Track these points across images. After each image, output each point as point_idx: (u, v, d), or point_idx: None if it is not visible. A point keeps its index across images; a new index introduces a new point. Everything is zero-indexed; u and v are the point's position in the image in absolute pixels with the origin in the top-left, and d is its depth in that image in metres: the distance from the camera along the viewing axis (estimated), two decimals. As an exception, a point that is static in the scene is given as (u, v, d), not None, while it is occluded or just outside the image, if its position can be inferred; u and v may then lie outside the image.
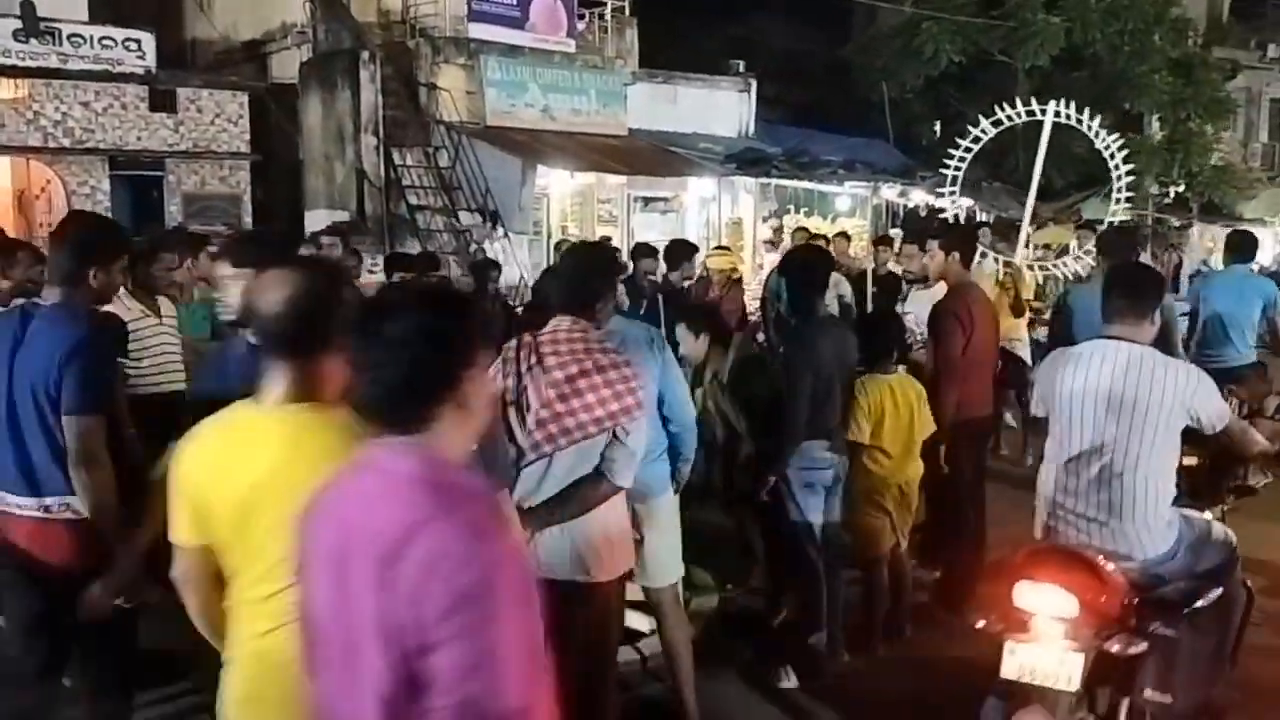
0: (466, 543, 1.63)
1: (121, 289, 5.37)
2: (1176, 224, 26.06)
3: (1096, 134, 9.54)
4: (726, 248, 9.98)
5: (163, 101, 16.22)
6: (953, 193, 9.97)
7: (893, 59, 22.80)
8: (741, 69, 21.31)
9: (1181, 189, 24.58)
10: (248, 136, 16.95)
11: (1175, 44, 22.95)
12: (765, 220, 18.61)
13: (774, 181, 18.66)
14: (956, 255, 5.48)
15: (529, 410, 3.14)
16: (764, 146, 19.46)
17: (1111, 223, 9.09)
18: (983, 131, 9.77)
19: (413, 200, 15.49)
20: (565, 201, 17.88)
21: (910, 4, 22.95)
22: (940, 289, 5.73)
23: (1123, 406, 3.43)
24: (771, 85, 22.21)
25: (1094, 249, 7.34)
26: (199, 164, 16.60)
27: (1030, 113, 9.44)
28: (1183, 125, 23.70)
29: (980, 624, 3.31)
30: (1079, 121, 9.40)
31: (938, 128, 26.47)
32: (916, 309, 6.25)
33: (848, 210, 19.73)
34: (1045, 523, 3.65)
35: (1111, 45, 21.83)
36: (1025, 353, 8.31)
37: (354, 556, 1.68)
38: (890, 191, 20.01)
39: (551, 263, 16.44)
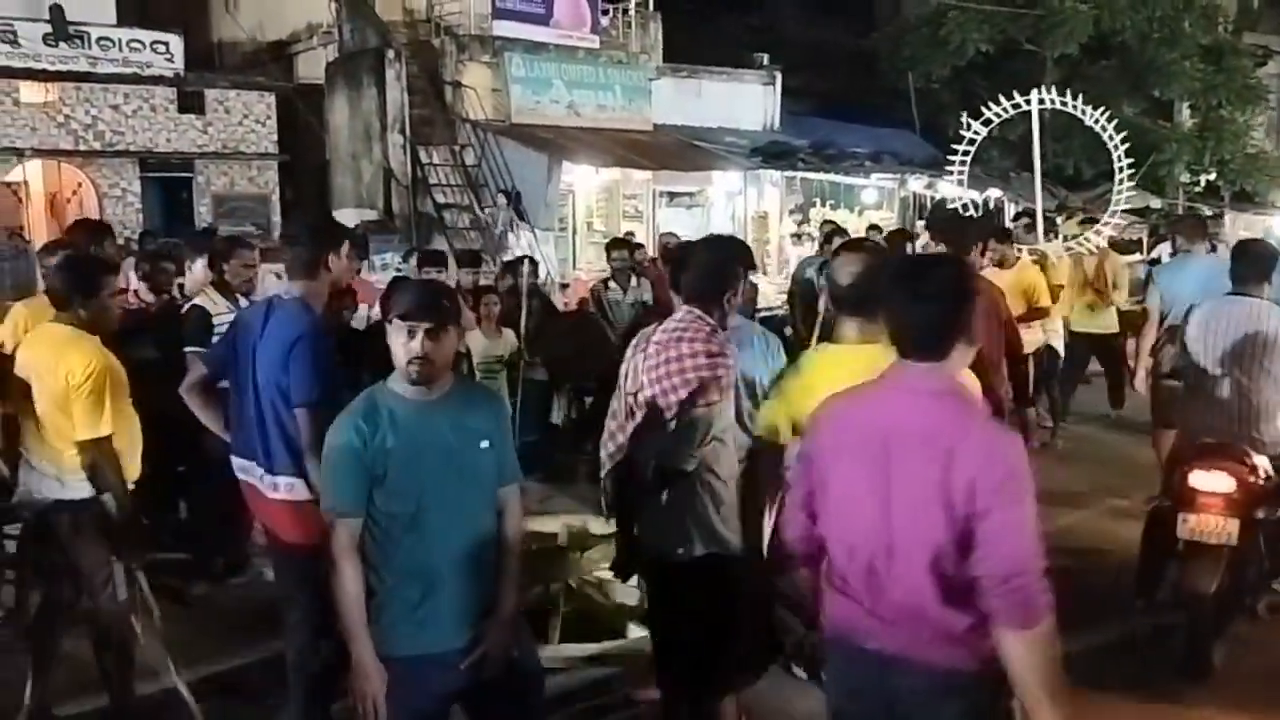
0: (1002, 438, 2.35)
1: (209, 284, 5.61)
2: (1209, 213, 25.77)
3: (1097, 121, 9.54)
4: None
5: (191, 103, 16.37)
6: (960, 179, 9.96)
7: (919, 49, 22.62)
8: (765, 61, 21.20)
9: (1213, 177, 24.28)
10: (275, 137, 17.07)
11: (1205, 30, 22.63)
12: (791, 214, 18.54)
13: (800, 175, 18.59)
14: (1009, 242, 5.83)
15: (628, 393, 3.42)
16: (789, 139, 19.39)
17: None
18: (975, 132, 9.84)
19: (439, 198, 15.55)
20: (591, 197, 17.88)
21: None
22: (1020, 265, 5.94)
23: (1254, 344, 4.54)
24: (796, 77, 22.08)
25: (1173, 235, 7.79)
26: (228, 165, 16.73)
27: (1016, 106, 9.52)
28: (1213, 113, 23.39)
29: (1157, 502, 4.71)
30: (1074, 108, 9.43)
31: (965, 118, 26.37)
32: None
33: (874, 203, 19.63)
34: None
35: (1141, 33, 21.57)
36: (1059, 343, 8.27)
37: (900, 448, 2.35)
38: (917, 183, 19.88)
39: (574, 258, 16.69)
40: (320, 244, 3.67)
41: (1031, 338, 6.99)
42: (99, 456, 3.77)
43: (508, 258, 10.44)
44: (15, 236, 13.09)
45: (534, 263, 8.82)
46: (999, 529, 2.21)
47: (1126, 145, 10.02)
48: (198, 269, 5.90)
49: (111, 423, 3.79)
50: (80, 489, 3.82)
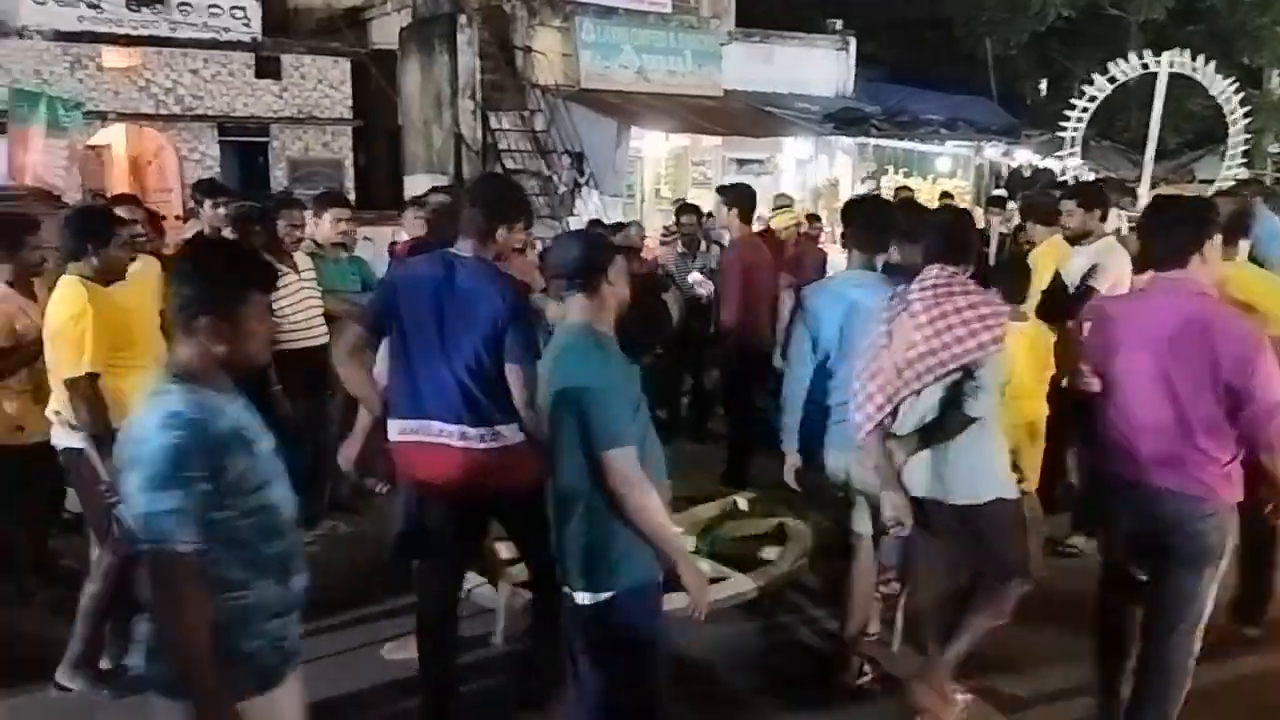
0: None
1: (260, 249, 5.65)
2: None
3: (1223, 93, 9.14)
4: (787, 205, 9.64)
5: (268, 68, 16.60)
6: (1073, 153, 9.62)
7: (997, 14, 22.08)
8: (839, 27, 20.87)
9: (1305, 147, 23.43)
10: (349, 102, 17.26)
11: (1300, -7, 21.78)
12: (863, 181, 18.28)
13: (872, 142, 18.30)
14: (1097, 212, 5.64)
15: (896, 350, 3.62)
16: (862, 105, 19.09)
17: (1240, 181, 8.72)
18: (1099, 90, 9.43)
19: (509, 164, 15.59)
20: (659, 164, 17.81)
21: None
22: (1104, 245, 5.66)
23: None
24: (869, 44, 21.70)
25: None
26: (303, 130, 16.95)
27: (1145, 65, 9.08)
28: (1306, 80, 22.56)
29: None
30: (1194, 70, 9.02)
31: (1043, 86, 25.67)
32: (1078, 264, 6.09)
33: (948, 171, 19.26)
34: None
35: (1230, -4, 20.87)
36: None
37: (1181, 336, 3.30)
38: (994, 151, 19.48)
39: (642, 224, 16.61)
40: (495, 215, 3.74)
41: None
42: (76, 396, 3.86)
43: (573, 220, 10.45)
44: (98, 198, 13.42)
45: (618, 226, 8.76)
46: (1263, 380, 3.20)
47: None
48: (325, 222, 6.00)
49: (96, 364, 3.87)
50: (77, 435, 3.95)
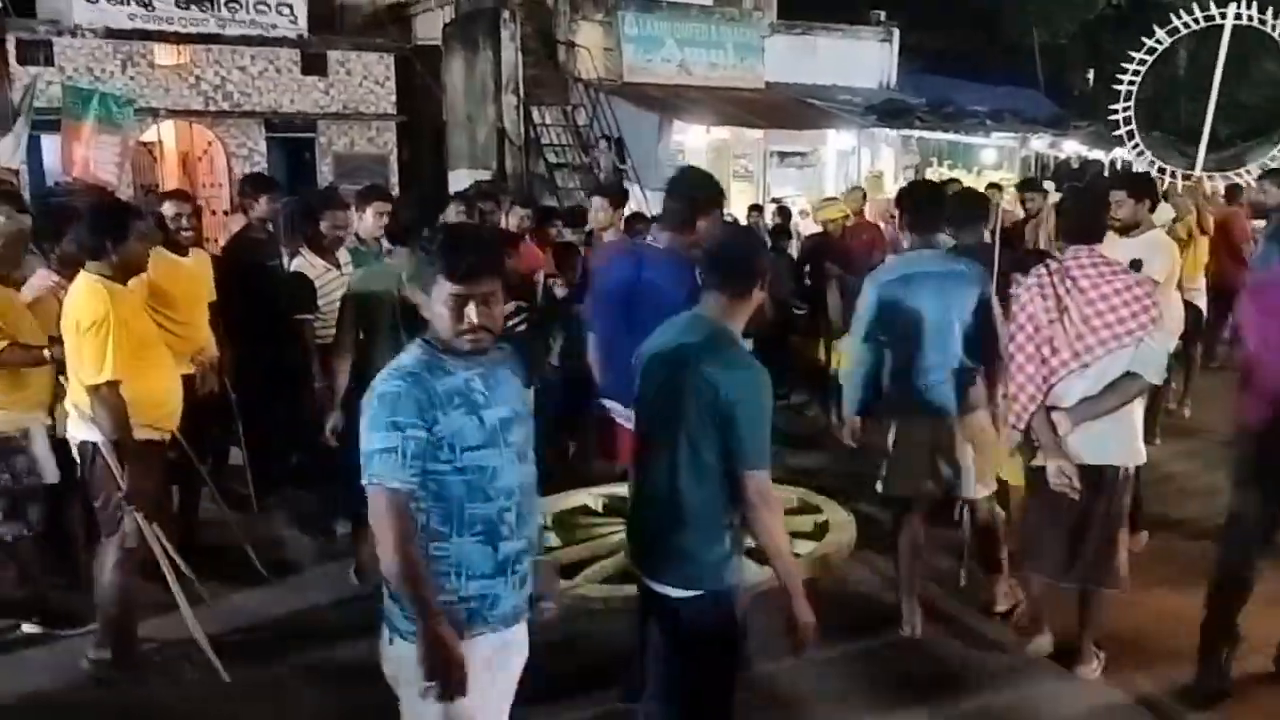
0: None
1: (303, 246, 5.74)
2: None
3: None
4: (833, 197, 9.91)
5: (314, 65, 16.82)
6: (1128, 115, 9.28)
7: (1046, 3, 21.81)
8: (883, 18, 20.72)
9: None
10: (394, 98, 17.44)
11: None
12: (905, 171, 18.15)
13: (916, 134, 18.17)
14: (1146, 203, 5.57)
15: (1070, 325, 3.86)
16: (906, 97, 18.94)
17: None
18: (1158, 42, 9.13)
19: (551, 159, 15.67)
20: (701, 156, 17.74)
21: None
22: (1151, 239, 5.61)
23: None
24: (913, 34, 21.52)
25: None
26: (348, 125, 17.15)
27: (1209, 18, 8.81)
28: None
29: None
30: (1262, 23, 8.73)
31: (1091, 76, 25.31)
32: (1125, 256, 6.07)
33: (994, 163, 19.08)
34: None
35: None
36: (1202, 301, 7.92)
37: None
38: (1040, 143, 19.26)
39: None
40: (696, 205, 3.93)
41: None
42: (98, 401, 3.87)
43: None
44: (150, 193, 13.69)
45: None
46: None
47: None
48: (368, 217, 6.07)
49: (119, 370, 3.86)
50: (93, 430, 3.98)
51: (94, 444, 4.02)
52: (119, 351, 3.86)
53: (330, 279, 5.66)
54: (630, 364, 3.27)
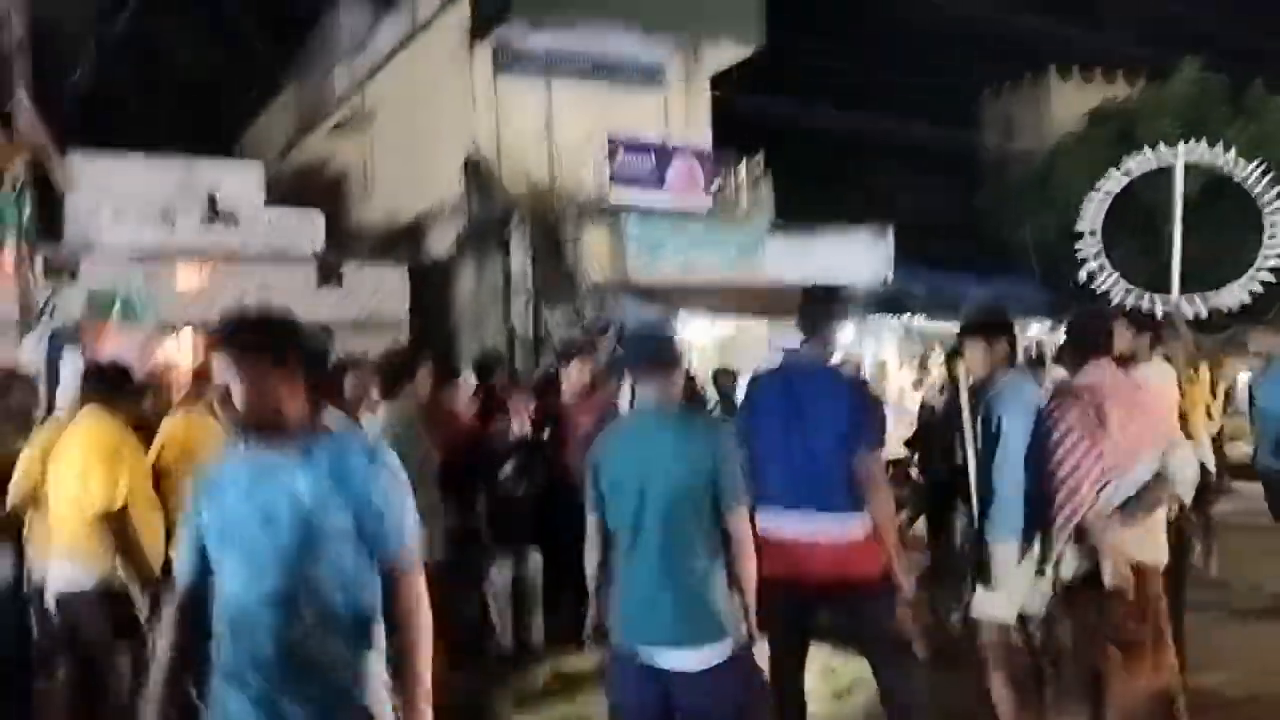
0: None
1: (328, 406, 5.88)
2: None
3: (1239, 164, 9.19)
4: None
5: (330, 278, 17.41)
6: (1097, 254, 9.58)
7: (1029, 200, 22.77)
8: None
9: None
10: (406, 306, 17.93)
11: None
12: (910, 359, 18.39)
13: (917, 324, 18.53)
14: (1148, 336, 5.77)
15: (1111, 432, 4.16)
16: (905, 288, 19.45)
17: None
18: (1116, 184, 9.53)
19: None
20: (707, 352, 18.11)
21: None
22: (1154, 366, 5.71)
23: None
24: (908, 241, 22.33)
25: None
26: (363, 332, 17.54)
27: (1160, 158, 9.22)
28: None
29: None
30: (1214, 159, 9.10)
31: (1084, 273, 26.08)
32: None
33: (996, 350, 19.31)
34: None
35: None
36: (1209, 458, 7.82)
37: None
38: (1039, 329, 19.58)
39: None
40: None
41: None
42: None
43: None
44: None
45: None
46: None
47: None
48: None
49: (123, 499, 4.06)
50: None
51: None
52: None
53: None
54: (804, 470, 3.92)
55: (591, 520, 3.57)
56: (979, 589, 4.32)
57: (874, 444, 4.04)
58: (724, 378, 9.46)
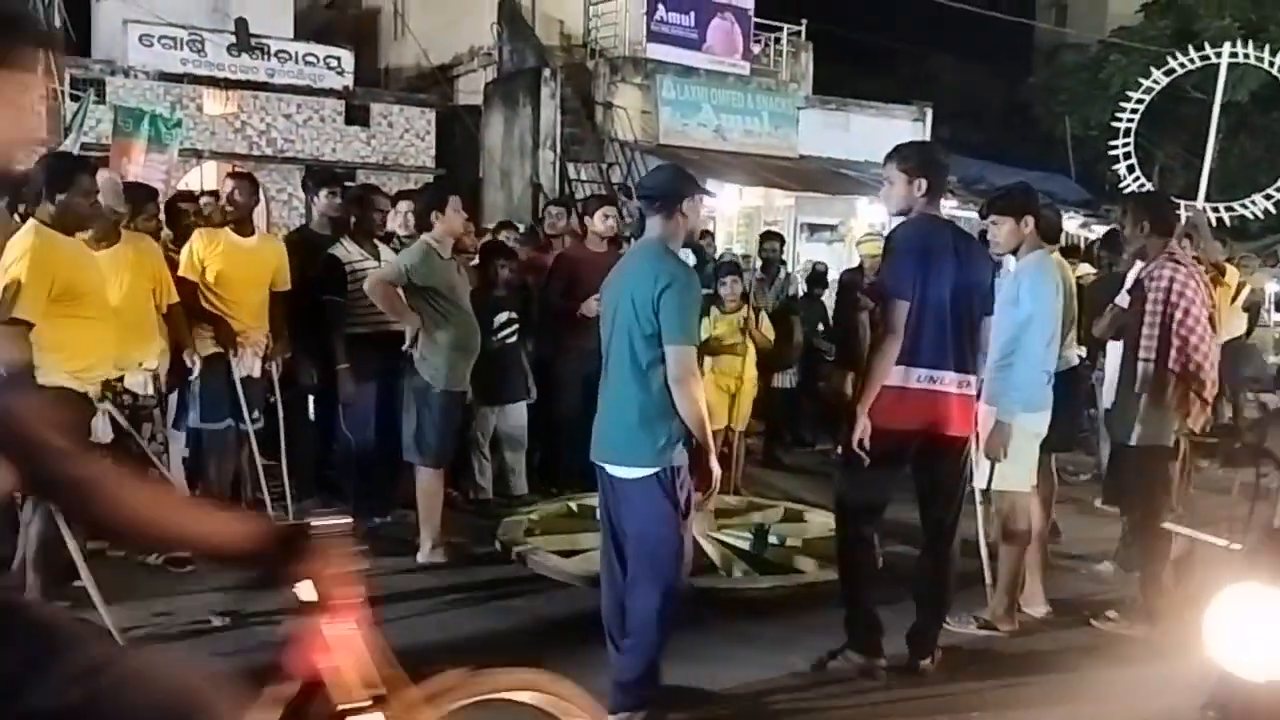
0: None
1: (345, 236, 5.90)
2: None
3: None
4: (877, 233, 9.88)
5: (357, 116, 17.19)
6: (1131, 166, 9.42)
7: (1076, 93, 22.11)
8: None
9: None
10: (433, 152, 17.75)
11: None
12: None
13: (948, 209, 18.26)
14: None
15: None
16: (938, 174, 19.13)
17: None
18: (1155, 83, 9.32)
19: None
20: (732, 222, 17.95)
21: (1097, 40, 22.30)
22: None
23: None
24: (947, 126, 21.81)
25: None
26: (387, 176, 17.38)
27: (1205, 57, 8.98)
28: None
29: None
30: (1258, 60, 8.88)
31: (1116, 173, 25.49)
32: None
33: (1026, 242, 19.10)
34: None
35: (1318, 80, 20.62)
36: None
37: None
38: (1072, 223, 19.29)
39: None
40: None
41: None
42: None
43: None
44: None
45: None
46: None
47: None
48: (401, 213, 6.43)
49: (26, 311, 3.89)
50: None
51: None
52: (28, 293, 3.90)
53: (368, 267, 5.74)
54: (943, 332, 3.93)
55: None
56: (996, 465, 4.36)
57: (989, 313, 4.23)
58: (770, 240, 9.51)
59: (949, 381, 3.97)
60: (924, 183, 4.01)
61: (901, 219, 4.17)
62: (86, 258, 4.33)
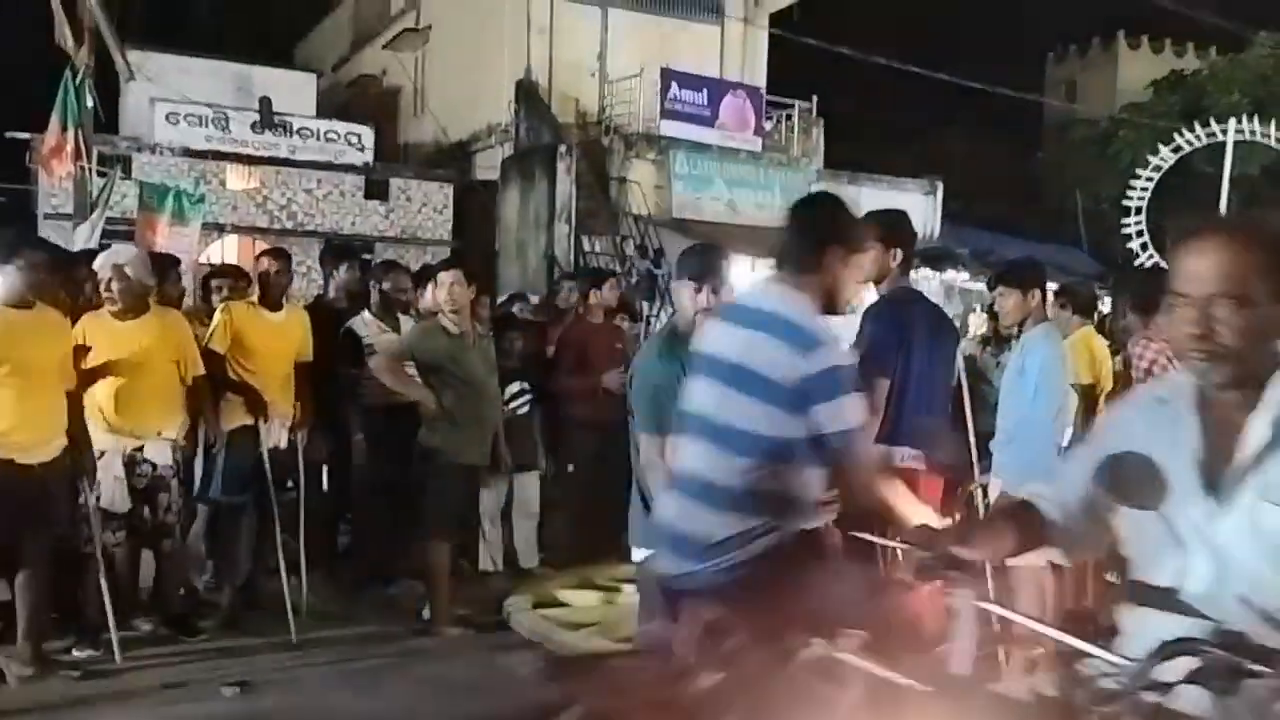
0: None
1: (366, 309, 6.03)
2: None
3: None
4: None
5: (377, 191, 17.54)
6: (1140, 232, 9.54)
7: (1086, 167, 22.35)
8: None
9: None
10: (451, 225, 18.04)
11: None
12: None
13: (959, 282, 18.39)
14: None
15: None
16: (949, 245, 19.28)
17: None
18: (1163, 160, 9.45)
19: (597, 281, 15.99)
20: (746, 295, 18.09)
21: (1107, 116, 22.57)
22: None
23: None
24: (958, 200, 22.03)
25: None
26: (405, 249, 17.68)
27: (1211, 134, 9.12)
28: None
29: None
30: (1264, 136, 9.02)
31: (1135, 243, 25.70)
32: None
33: (1038, 314, 19.14)
34: None
35: (1328, 155, 20.81)
36: None
37: None
38: (1083, 296, 19.37)
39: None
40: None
41: None
42: None
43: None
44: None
45: None
46: None
47: None
48: (428, 294, 6.36)
49: None
50: None
51: None
52: None
53: (380, 340, 5.85)
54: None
55: None
56: None
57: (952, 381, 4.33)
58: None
59: (922, 458, 3.84)
60: (899, 252, 3.97)
61: (873, 287, 4.06)
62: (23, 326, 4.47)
